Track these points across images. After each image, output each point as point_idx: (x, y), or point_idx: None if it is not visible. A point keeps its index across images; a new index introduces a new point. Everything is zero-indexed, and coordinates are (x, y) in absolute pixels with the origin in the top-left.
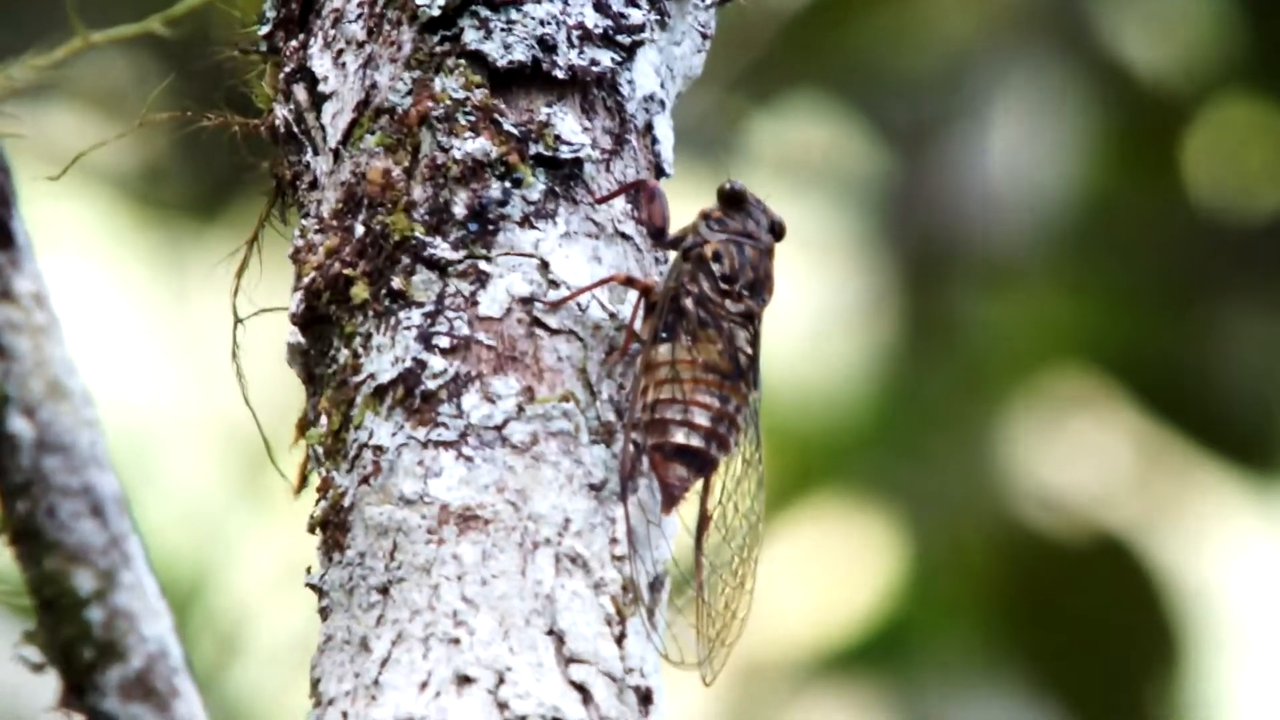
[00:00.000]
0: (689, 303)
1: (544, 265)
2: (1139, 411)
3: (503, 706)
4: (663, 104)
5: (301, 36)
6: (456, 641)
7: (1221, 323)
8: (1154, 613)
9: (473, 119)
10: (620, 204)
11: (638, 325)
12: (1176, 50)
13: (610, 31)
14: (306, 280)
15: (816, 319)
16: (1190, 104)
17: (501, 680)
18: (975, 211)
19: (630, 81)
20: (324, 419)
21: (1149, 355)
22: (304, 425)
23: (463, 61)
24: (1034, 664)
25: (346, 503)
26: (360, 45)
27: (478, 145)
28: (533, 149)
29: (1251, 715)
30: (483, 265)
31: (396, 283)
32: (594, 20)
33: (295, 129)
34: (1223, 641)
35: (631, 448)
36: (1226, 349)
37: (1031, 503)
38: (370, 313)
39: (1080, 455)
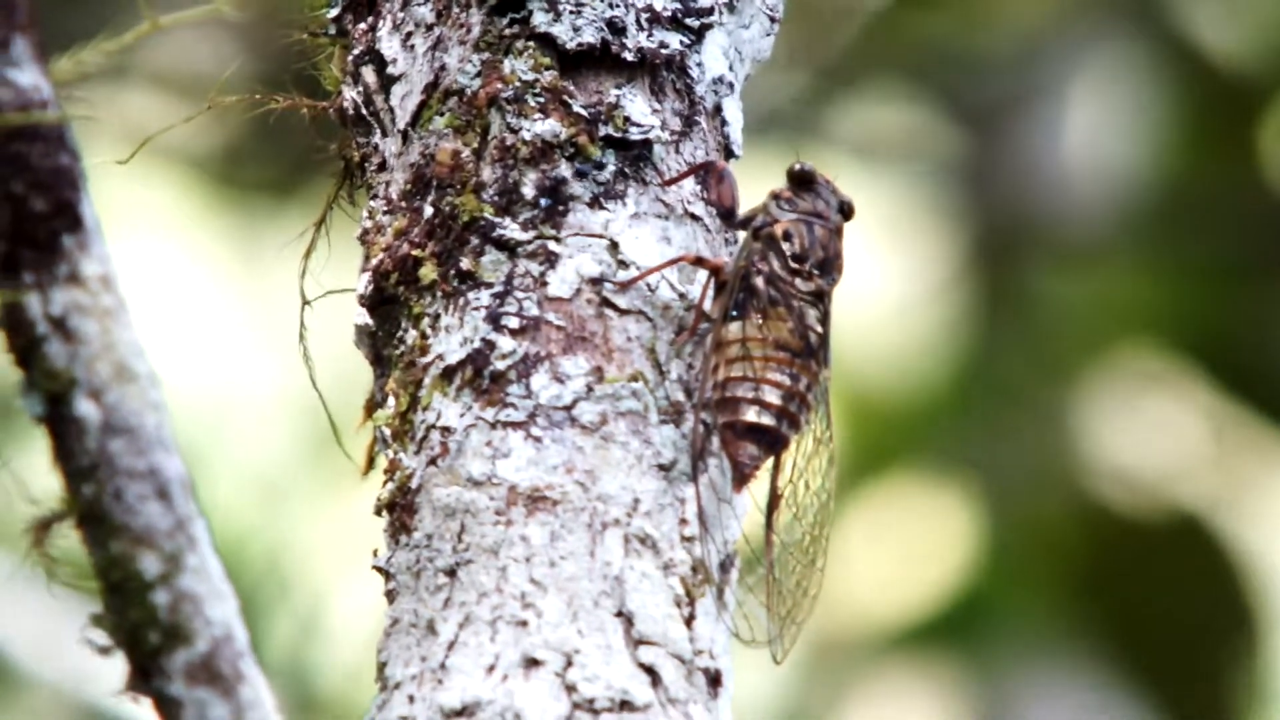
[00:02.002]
0: (759, 281)
1: (613, 246)
2: (1214, 389)
3: (570, 689)
4: (732, 86)
5: (370, 19)
6: (524, 624)
7: None
8: (1229, 590)
9: (542, 100)
10: (690, 185)
11: (707, 305)
12: (1252, 32)
13: (679, 14)
14: (374, 261)
15: (894, 297)
16: (1265, 85)
17: (569, 663)
18: (1051, 190)
19: (699, 64)
20: (391, 400)
21: (1224, 333)
22: (371, 407)
23: (531, 44)
24: (1109, 640)
25: (414, 484)
26: (429, 28)
27: (547, 126)
28: (602, 130)
29: None
30: (552, 246)
31: (465, 263)
32: (663, 3)
33: (364, 111)
34: None
35: (701, 427)
36: None
37: (1107, 479)
38: (439, 293)
39: (1155, 432)
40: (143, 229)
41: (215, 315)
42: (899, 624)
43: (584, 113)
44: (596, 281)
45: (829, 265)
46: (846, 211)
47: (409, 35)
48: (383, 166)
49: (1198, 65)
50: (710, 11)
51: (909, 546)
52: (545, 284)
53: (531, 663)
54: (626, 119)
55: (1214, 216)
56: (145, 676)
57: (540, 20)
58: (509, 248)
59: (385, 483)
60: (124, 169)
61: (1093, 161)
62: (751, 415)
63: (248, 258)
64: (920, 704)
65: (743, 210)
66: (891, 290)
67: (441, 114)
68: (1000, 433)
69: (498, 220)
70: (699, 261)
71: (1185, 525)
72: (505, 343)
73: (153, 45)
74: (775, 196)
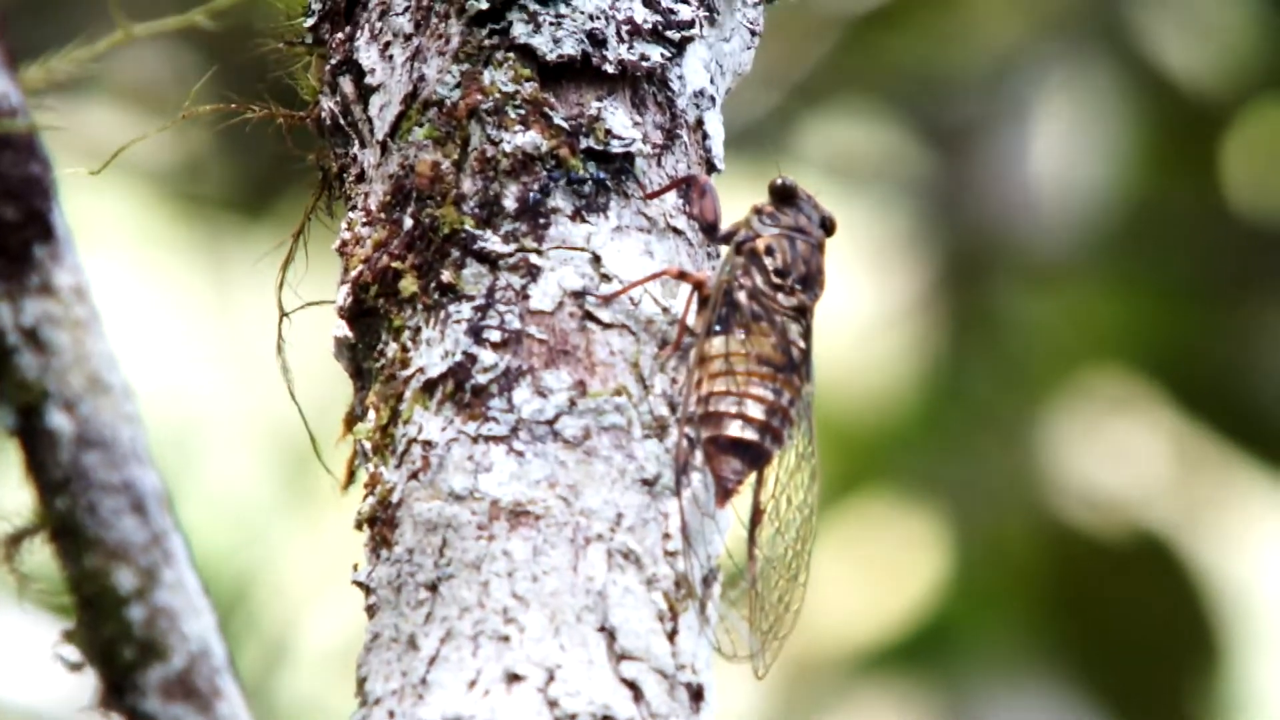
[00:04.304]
0: (742, 296)
1: (596, 259)
2: (1179, 411)
3: (553, 704)
4: (713, 100)
5: (347, 29)
6: (506, 639)
7: (1260, 323)
8: (1193, 611)
9: (522, 112)
10: (672, 199)
11: (690, 319)
12: (1215, 53)
13: (660, 27)
14: (354, 273)
15: (863, 318)
16: (1229, 107)
17: (552, 678)
18: (1018, 212)
19: (680, 77)
20: (372, 414)
21: (1189, 355)
22: (351, 420)
23: (511, 55)
24: (1075, 661)
25: (395, 499)
26: (408, 38)
27: (528, 139)
28: (583, 143)
29: None
30: (534, 259)
31: (446, 276)
32: (643, 15)
33: (342, 121)
34: (1260, 639)
35: (685, 441)
36: (1265, 349)
37: (1074, 501)
38: (419, 306)
39: (1121, 454)
40: (105, 244)
41: (181, 330)
42: (867, 646)
43: (565, 125)
44: (579, 295)
45: (811, 280)
46: (828, 227)
47: (387, 45)
48: (361, 177)
49: (1163, 86)
50: (691, 24)
51: (877, 567)
52: (527, 297)
53: (513, 678)
54: (608, 131)
55: (1180, 238)
56: (119, 693)
57: (520, 31)
58: (490, 260)
59: (365, 497)
60: (86, 183)
61: (1060, 182)
62: (735, 430)
63: (212, 273)
64: None
65: (725, 225)
66: (860, 310)
67: (421, 125)
68: (969, 454)
69: (478, 233)
70: (682, 275)
71: (1151, 547)
72: (487, 356)
73: (114, 56)
74: (757, 211)
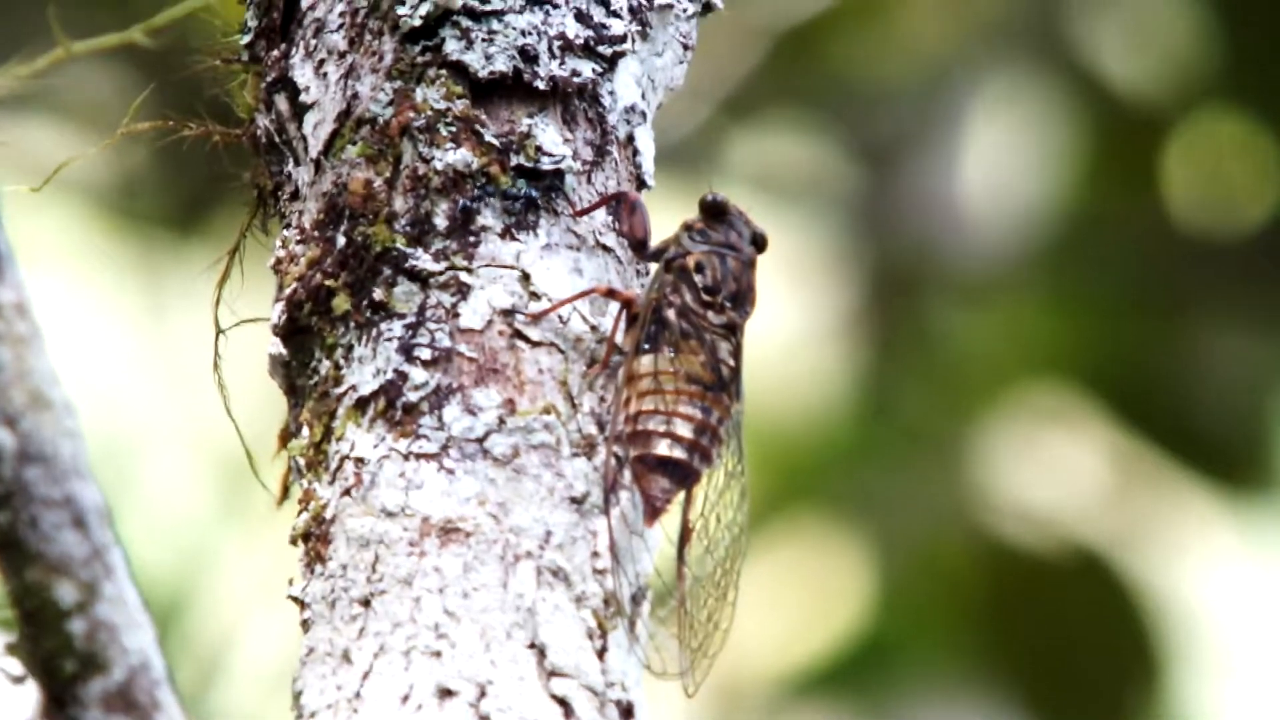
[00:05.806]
0: (671, 314)
1: (525, 277)
2: (1116, 426)
3: (484, 719)
4: (644, 115)
5: (283, 46)
6: (438, 654)
7: (1199, 337)
8: (1130, 628)
9: (454, 130)
10: (601, 216)
11: (619, 337)
12: (1155, 63)
13: (591, 42)
14: (288, 291)
15: (793, 334)
16: (1168, 117)
17: (483, 693)
18: (952, 225)
19: (611, 92)
20: (305, 430)
21: (1126, 369)
22: (286, 437)
23: (444, 72)
24: (1010, 680)
25: (328, 515)
26: (342, 55)
27: (459, 156)
28: (514, 160)
29: None
30: (464, 277)
31: (378, 294)
32: (575, 31)
33: (277, 139)
34: (1198, 657)
35: (614, 460)
36: (1204, 363)
37: (1008, 518)
38: (352, 324)
39: (1057, 470)
40: (39, 259)
41: (115, 348)
42: (799, 664)
43: (496, 142)
44: (508, 313)
45: (741, 298)
46: (759, 243)
47: (321, 63)
48: (295, 195)
49: (1102, 97)
50: (623, 39)
51: (811, 588)
52: (457, 315)
53: (445, 693)
54: (538, 148)
55: (1116, 250)
56: (60, 705)
57: (452, 48)
58: (421, 278)
59: (300, 513)
60: (22, 199)
61: (994, 195)
62: (663, 448)
63: (148, 289)
64: None
65: (655, 241)
66: (790, 327)
67: (354, 143)
68: (902, 472)
69: (410, 251)
70: (611, 293)
71: (1086, 562)
72: (418, 374)
73: (53, 73)
74: (688, 228)
